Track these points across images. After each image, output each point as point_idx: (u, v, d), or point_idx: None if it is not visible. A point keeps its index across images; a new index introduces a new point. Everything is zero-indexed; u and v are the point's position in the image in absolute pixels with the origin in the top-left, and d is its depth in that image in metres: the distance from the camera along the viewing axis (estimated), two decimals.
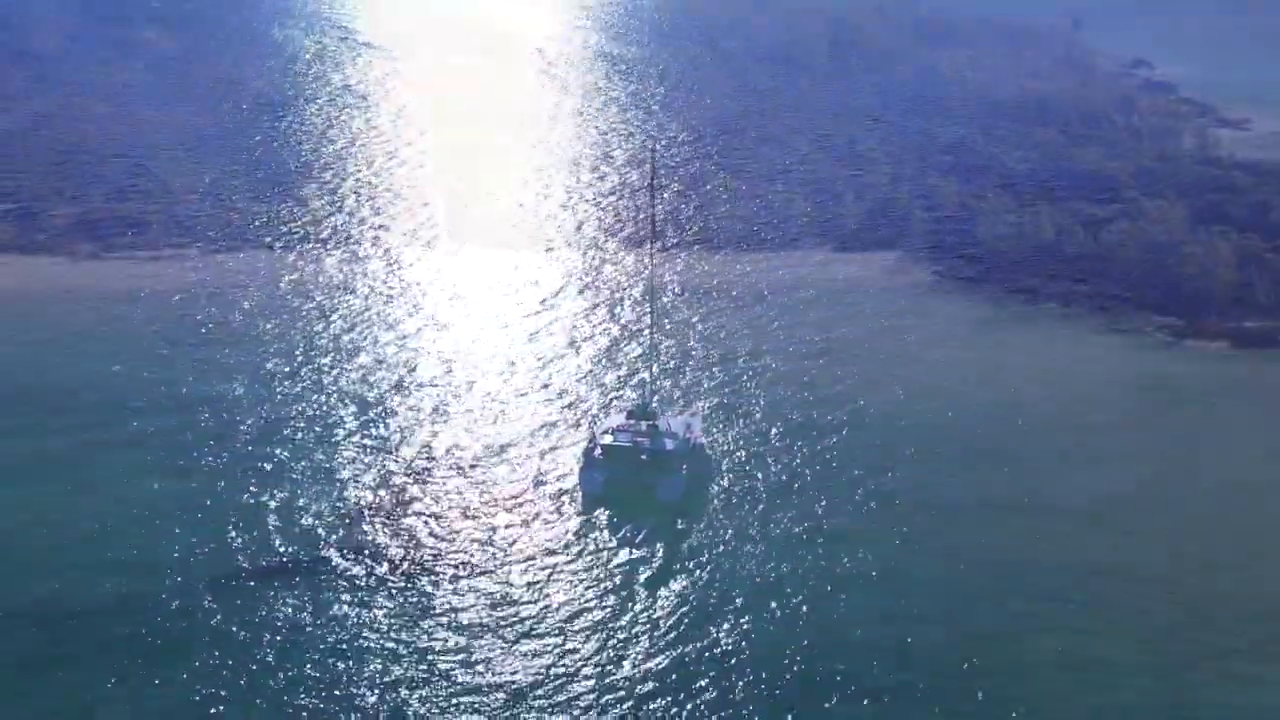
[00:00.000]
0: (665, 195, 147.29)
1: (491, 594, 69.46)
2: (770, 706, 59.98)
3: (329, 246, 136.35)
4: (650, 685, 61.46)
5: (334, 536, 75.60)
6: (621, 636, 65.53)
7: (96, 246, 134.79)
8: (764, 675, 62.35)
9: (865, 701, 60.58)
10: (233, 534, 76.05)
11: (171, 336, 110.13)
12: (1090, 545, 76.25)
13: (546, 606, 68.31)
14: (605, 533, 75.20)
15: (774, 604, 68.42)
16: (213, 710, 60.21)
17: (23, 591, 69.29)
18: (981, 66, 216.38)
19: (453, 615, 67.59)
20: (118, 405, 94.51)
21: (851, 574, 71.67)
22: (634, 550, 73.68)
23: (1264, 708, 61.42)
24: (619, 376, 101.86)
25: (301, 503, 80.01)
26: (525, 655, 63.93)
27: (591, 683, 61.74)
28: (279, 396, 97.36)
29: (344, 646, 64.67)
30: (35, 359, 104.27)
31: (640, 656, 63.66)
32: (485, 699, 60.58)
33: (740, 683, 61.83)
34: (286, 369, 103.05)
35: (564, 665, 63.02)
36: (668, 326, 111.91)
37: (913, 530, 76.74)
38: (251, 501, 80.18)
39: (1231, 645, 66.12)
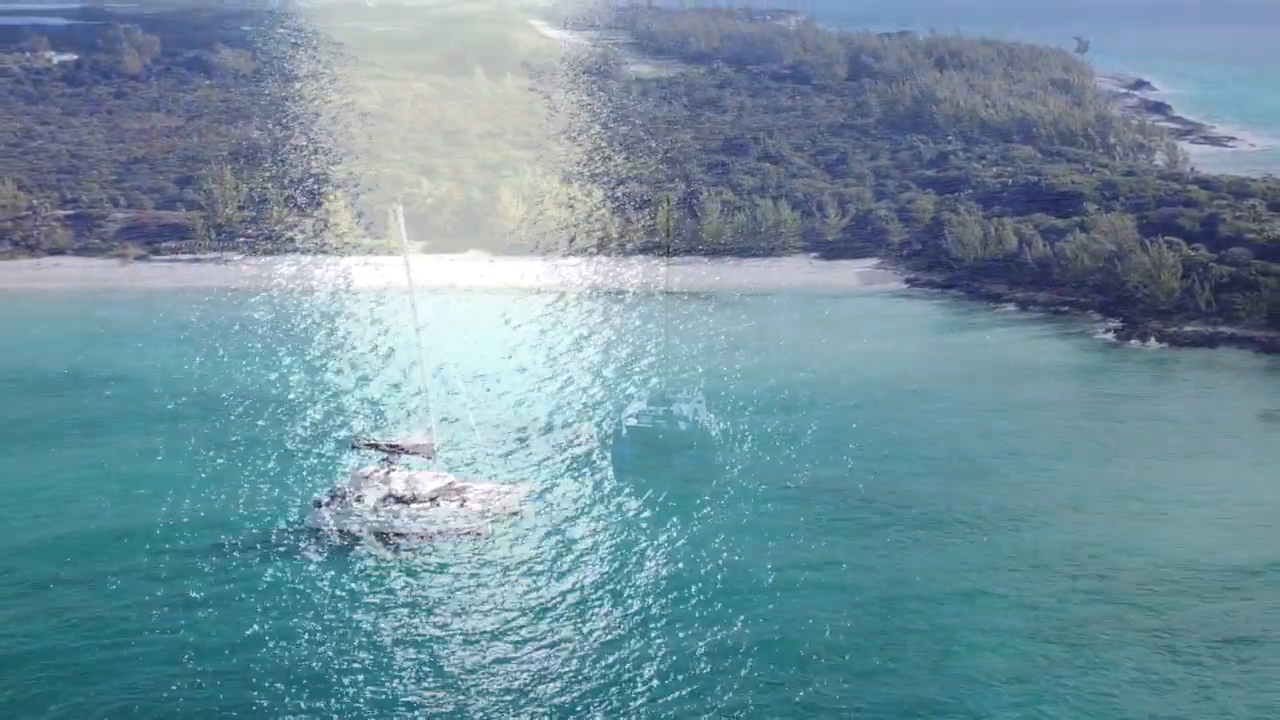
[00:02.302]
0: (665, 208, 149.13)
1: (545, 543, 77.16)
2: (750, 597, 71.15)
3: (354, 252, 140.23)
4: (667, 593, 71.83)
5: (375, 505, 79.27)
6: (649, 567, 74.88)
7: (145, 249, 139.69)
8: (751, 583, 72.70)
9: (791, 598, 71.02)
10: (281, 494, 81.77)
11: (205, 332, 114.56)
12: (1007, 499, 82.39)
13: (592, 553, 76.38)
14: (633, 498, 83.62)
15: (762, 541, 77.29)
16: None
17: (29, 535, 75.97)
18: (976, 87, 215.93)
19: (513, 559, 75.48)
20: (147, 392, 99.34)
21: (809, 521, 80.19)
22: (656, 510, 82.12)
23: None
24: (638, 368, 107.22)
25: (328, 476, 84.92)
26: (576, 582, 72.95)
27: (624, 592, 71.89)
28: (305, 388, 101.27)
29: (415, 586, 72.63)
30: (79, 350, 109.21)
31: (662, 579, 73.51)
32: (549, 608, 69.99)
33: (730, 584, 72.67)
34: (312, 363, 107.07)
35: (606, 587, 72.61)
36: (674, 325, 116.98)
37: (865, 491, 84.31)
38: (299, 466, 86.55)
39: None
